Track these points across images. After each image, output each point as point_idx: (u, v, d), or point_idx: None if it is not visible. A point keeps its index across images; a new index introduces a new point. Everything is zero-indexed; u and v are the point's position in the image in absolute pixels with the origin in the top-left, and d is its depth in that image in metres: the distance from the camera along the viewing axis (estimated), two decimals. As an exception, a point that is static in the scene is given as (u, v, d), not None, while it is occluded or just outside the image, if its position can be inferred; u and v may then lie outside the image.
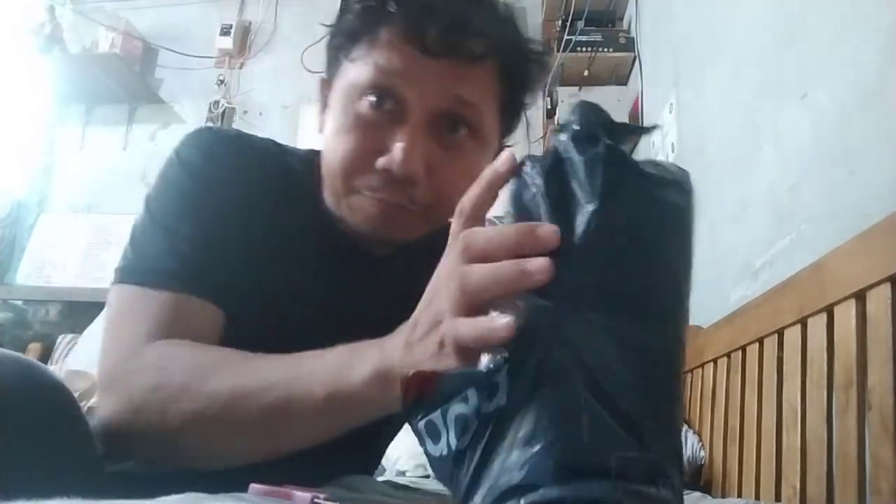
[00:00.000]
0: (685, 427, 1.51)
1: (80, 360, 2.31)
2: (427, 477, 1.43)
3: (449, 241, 0.40)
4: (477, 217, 0.39)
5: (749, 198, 1.43)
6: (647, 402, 0.32)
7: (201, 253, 0.61)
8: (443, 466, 0.35)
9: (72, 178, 3.23)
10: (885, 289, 0.77)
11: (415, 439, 0.36)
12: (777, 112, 1.30)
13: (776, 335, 1.07)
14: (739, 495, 1.15)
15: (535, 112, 2.94)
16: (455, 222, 0.40)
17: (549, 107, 2.77)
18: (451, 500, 0.34)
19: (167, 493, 0.39)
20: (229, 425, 0.52)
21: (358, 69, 0.62)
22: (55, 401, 0.50)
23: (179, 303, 0.58)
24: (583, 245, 0.34)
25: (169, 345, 0.56)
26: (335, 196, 0.65)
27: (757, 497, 1.06)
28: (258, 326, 0.61)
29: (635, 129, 0.39)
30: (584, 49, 2.65)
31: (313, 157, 0.72)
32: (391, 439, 0.85)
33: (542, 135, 2.87)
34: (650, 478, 0.30)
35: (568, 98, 2.63)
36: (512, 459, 0.31)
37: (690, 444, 1.43)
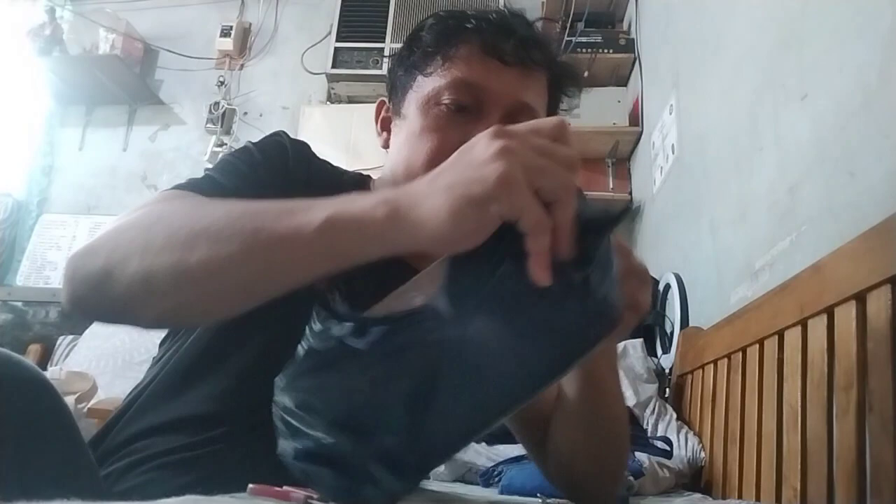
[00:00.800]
0: (685, 428, 1.51)
1: (81, 361, 2.32)
2: (427, 478, 1.43)
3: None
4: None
5: (749, 199, 1.42)
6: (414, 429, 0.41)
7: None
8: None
9: (72, 180, 3.23)
10: (886, 290, 0.77)
11: None
12: (777, 113, 1.30)
13: (776, 336, 1.07)
14: (740, 497, 1.15)
15: (535, 113, 2.94)
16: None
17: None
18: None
19: (166, 495, 0.39)
20: (235, 231, 0.46)
21: (435, 81, 0.70)
22: (39, 395, 0.50)
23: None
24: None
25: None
26: None
27: (757, 499, 1.06)
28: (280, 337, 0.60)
29: (613, 218, 0.43)
30: (584, 50, 2.65)
31: (363, 178, 0.79)
32: None
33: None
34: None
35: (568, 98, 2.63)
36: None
37: (691, 446, 1.43)
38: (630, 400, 1.60)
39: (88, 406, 1.62)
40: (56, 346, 2.66)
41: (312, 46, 3.16)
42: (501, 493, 1.24)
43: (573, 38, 2.64)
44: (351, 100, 3.07)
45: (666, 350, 1.85)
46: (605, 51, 2.66)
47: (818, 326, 0.92)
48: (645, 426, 1.56)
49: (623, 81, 2.74)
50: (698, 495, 1.29)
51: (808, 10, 1.19)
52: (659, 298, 2.00)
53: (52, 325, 2.88)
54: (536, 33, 0.73)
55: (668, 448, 1.42)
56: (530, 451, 0.78)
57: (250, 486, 0.44)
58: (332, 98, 3.07)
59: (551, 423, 0.70)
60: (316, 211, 0.43)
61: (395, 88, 0.77)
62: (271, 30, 3.32)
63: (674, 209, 2.06)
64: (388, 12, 3.02)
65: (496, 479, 1.33)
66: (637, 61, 2.63)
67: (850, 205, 1.00)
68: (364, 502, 0.41)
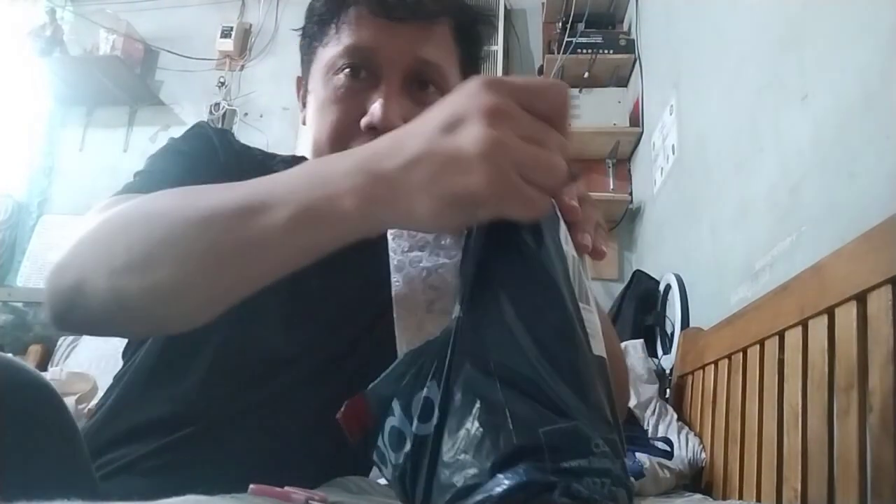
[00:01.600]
0: (686, 429, 1.51)
1: (81, 362, 2.32)
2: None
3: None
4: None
5: (749, 199, 1.42)
6: (562, 380, 0.33)
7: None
8: (395, 487, 0.36)
9: (72, 180, 3.23)
10: (886, 290, 0.77)
11: None
12: (777, 114, 1.30)
13: (777, 337, 1.07)
14: (740, 497, 1.15)
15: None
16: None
17: (549, 108, 2.77)
18: None
19: (166, 495, 0.39)
20: (199, 243, 0.43)
21: (331, 49, 0.69)
22: (40, 400, 0.50)
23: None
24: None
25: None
26: None
27: (758, 499, 1.06)
28: (238, 332, 0.62)
29: None
30: (584, 51, 2.65)
31: (295, 160, 0.78)
32: None
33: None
34: (581, 449, 0.31)
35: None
36: (451, 470, 0.32)
37: (691, 447, 1.43)
38: (631, 401, 1.60)
39: (89, 407, 1.62)
40: (56, 346, 2.66)
41: (313, 47, 3.16)
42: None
43: (573, 39, 2.64)
44: (351, 100, 3.07)
45: (666, 351, 1.85)
46: (606, 51, 2.66)
47: (819, 327, 0.92)
48: (645, 427, 1.56)
49: (623, 82, 2.74)
50: (699, 496, 1.29)
51: (808, 10, 1.19)
52: (660, 299, 2.00)
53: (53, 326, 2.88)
54: None
55: (668, 449, 1.42)
56: None
57: (251, 486, 0.44)
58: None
59: None
60: (279, 209, 0.40)
61: (303, 62, 0.76)
62: (272, 30, 3.33)
63: (674, 210, 2.06)
64: (388, 13, 3.02)
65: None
66: (637, 62, 2.63)
67: (851, 205, 1.00)
68: None
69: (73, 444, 0.52)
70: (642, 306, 2.07)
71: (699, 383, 1.51)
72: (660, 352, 1.91)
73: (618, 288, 2.41)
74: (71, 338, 2.64)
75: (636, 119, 2.57)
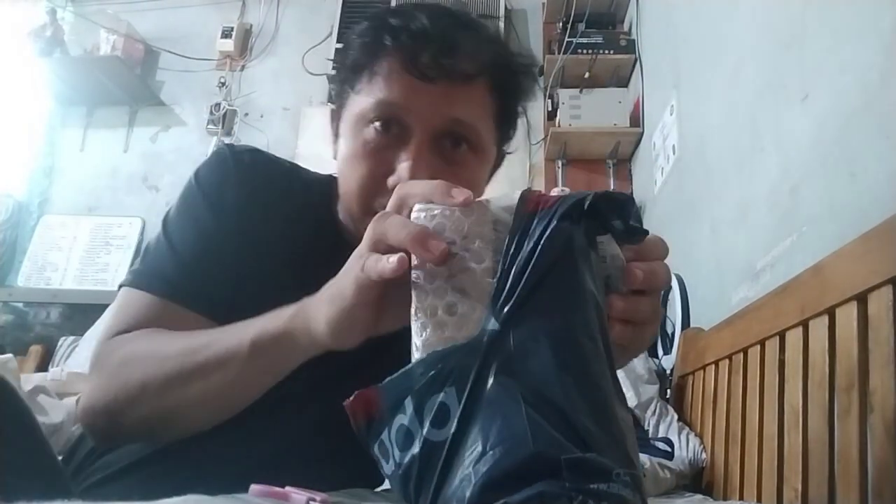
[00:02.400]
0: (686, 429, 1.51)
1: (82, 362, 2.32)
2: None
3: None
4: (406, 206, 0.44)
5: (750, 200, 1.42)
6: (590, 416, 0.33)
7: (199, 268, 0.66)
8: (394, 483, 0.37)
9: (73, 181, 3.23)
10: (887, 291, 0.77)
11: None
12: (778, 114, 1.30)
13: (777, 337, 1.07)
14: (741, 498, 1.15)
15: (535, 114, 2.94)
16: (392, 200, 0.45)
17: (549, 109, 2.77)
18: None
19: (167, 495, 0.39)
20: (179, 379, 0.56)
21: (362, 101, 0.66)
22: (2, 399, 0.50)
23: (162, 307, 0.64)
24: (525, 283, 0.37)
25: (136, 331, 0.63)
26: (352, 219, 0.70)
27: (759, 500, 1.06)
28: None
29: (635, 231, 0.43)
30: (584, 51, 2.65)
31: (331, 180, 0.76)
32: None
33: (542, 137, 2.87)
34: (602, 476, 0.31)
35: (569, 100, 2.63)
36: (464, 479, 0.32)
37: (692, 447, 1.43)
38: (631, 401, 1.60)
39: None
40: (57, 347, 2.66)
41: (313, 47, 3.16)
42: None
43: (574, 39, 2.64)
44: (351, 101, 3.07)
45: (667, 351, 1.84)
46: (606, 52, 2.66)
47: (819, 327, 0.92)
48: (646, 427, 1.56)
49: (624, 82, 2.74)
50: (699, 496, 1.29)
51: (808, 10, 1.19)
52: (660, 299, 1.99)
53: (53, 326, 2.88)
54: (461, 40, 0.65)
55: (669, 449, 1.42)
56: None
57: (252, 486, 0.44)
58: (333, 99, 3.07)
59: None
60: (246, 336, 0.54)
61: (336, 102, 0.74)
62: (272, 31, 3.32)
63: (675, 210, 2.06)
64: (388, 13, 3.02)
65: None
66: (638, 62, 2.63)
67: (851, 205, 1.00)
68: None
69: (32, 438, 0.53)
70: (643, 306, 2.07)
71: (700, 383, 1.51)
72: (660, 352, 1.90)
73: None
74: (71, 338, 2.64)
75: (637, 119, 2.57)
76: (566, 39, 2.65)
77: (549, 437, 0.32)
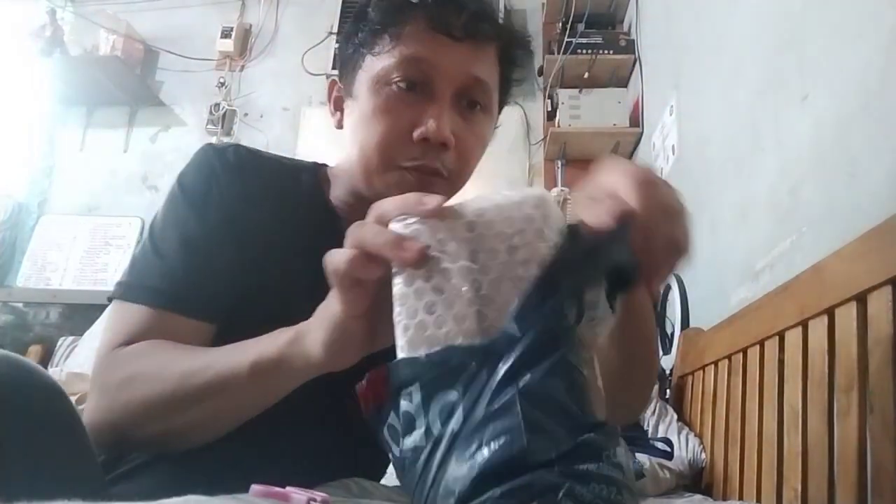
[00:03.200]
0: (686, 429, 1.51)
1: (81, 362, 2.32)
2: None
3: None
4: (384, 220, 0.43)
5: (750, 200, 1.43)
6: (581, 402, 0.35)
7: (189, 274, 0.66)
8: (398, 468, 0.38)
9: (72, 181, 3.23)
10: (886, 291, 0.77)
11: None
12: (777, 114, 1.30)
13: (777, 337, 1.07)
14: (741, 498, 1.15)
15: (535, 114, 2.94)
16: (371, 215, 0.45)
17: (549, 109, 2.77)
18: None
19: (167, 495, 0.39)
20: (181, 402, 0.57)
21: (385, 60, 0.69)
22: (50, 401, 0.50)
23: (157, 317, 0.64)
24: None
25: (135, 345, 0.62)
26: (370, 174, 0.71)
27: (758, 500, 1.06)
28: (267, 329, 0.62)
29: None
30: (584, 51, 2.65)
31: (317, 167, 0.80)
32: None
33: (542, 137, 2.87)
34: (592, 455, 0.33)
35: (568, 100, 2.63)
36: (459, 473, 0.33)
37: (691, 447, 1.43)
38: (631, 401, 1.59)
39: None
40: (57, 347, 2.66)
41: (313, 48, 3.16)
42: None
43: (573, 39, 2.64)
44: (351, 101, 3.07)
45: (666, 351, 1.85)
46: (606, 52, 2.66)
47: (819, 327, 0.92)
48: (645, 427, 1.55)
49: (623, 83, 2.74)
50: (699, 497, 1.29)
51: (808, 10, 1.19)
52: (660, 299, 1.99)
53: (53, 326, 2.88)
54: (484, 5, 0.72)
55: (668, 449, 1.42)
56: None
57: (253, 486, 0.44)
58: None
59: None
60: (245, 360, 0.54)
61: (345, 67, 0.76)
62: (272, 31, 3.33)
63: (674, 210, 2.06)
64: (388, 13, 3.02)
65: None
66: (637, 62, 2.63)
67: (851, 206, 1.00)
68: None
69: (81, 447, 0.52)
70: (642, 306, 2.07)
71: (699, 384, 1.51)
72: (660, 352, 1.91)
73: (618, 288, 2.41)
74: (71, 338, 2.64)
75: (636, 119, 2.57)
76: (566, 39, 2.65)
77: (545, 431, 0.33)
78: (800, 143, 1.19)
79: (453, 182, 0.72)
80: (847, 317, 0.85)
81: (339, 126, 0.77)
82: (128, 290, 0.66)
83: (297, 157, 0.82)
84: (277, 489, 0.43)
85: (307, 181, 0.77)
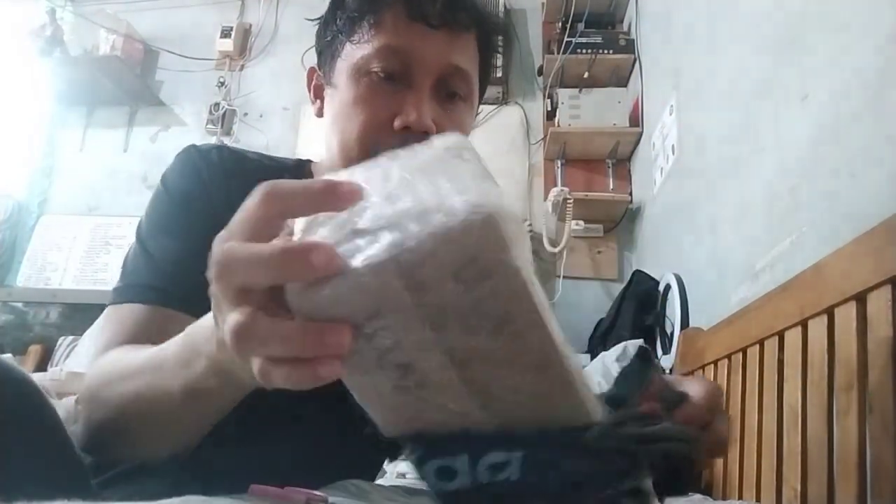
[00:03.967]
0: (686, 429, 1.51)
1: (81, 362, 2.32)
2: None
3: None
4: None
5: (749, 199, 1.42)
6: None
7: (178, 267, 0.65)
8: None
9: (72, 180, 3.23)
10: (886, 291, 0.77)
11: None
12: (777, 114, 1.30)
13: (777, 337, 1.07)
14: (740, 497, 1.15)
15: (535, 114, 2.94)
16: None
17: (549, 108, 2.77)
18: None
19: (167, 496, 0.39)
20: (132, 420, 0.55)
21: (363, 48, 0.69)
22: (22, 394, 0.49)
23: (152, 314, 0.63)
24: None
25: (115, 350, 0.61)
26: (351, 165, 0.68)
27: (758, 499, 1.06)
28: None
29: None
30: (584, 51, 2.65)
31: (302, 163, 0.80)
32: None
33: (542, 136, 2.87)
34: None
35: (568, 99, 2.63)
36: None
37: (691, 447, 1.43)
38: (630, 401, 1.59)
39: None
40: (56, 346, 2.66)
41: (313, 47, 3.16)
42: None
43: (573, 39, 2.64)
44: (351, 101, 3.07)
45: (666, 351, 1.85)
46: (605, 51, 2.66)
47: (818, 327, 0.92)
48: (645, 427, 1.55)
49: (623, 82, 2.74)
50: (699, 496, 1.29)
51: (808, 10, 1.19)
52: (659, 299, 2.00)
53: (53, 326, 2.88)
54: None
55: (668, 449, 1.42)
56: None
57: (252, 486, 0.44)
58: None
59: None
60: (174, 386, 0.49)
61: (324, 55, 0.76)
62: (271, 30, 3.32)
63: (674, 210, 2.06)
64: (388, 13, 3.02)
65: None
66: (637, 62, 2.63)
67: (851, 205, 1.00)
68: None
69: (57, 439, 0.52)
70: (642, 306, 2.07)
71: (699, 383, 1.51)
72: (659, 352, 1.91)
73: (617, 288, 2.41)
74: (70, 338, 2.64)
75: (636, 119, 2.57)
76: (565, 39, 2.65)
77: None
78: (799, 143, 1.19)
79: None
80: (847, 316, 0.85)
81: (320, 114, 0.77)
82: (118, 294, 0.66)
83: (286, 157, 0.82)
84: (276, 489, 0.43)
85: (293, 178, 0.77)
